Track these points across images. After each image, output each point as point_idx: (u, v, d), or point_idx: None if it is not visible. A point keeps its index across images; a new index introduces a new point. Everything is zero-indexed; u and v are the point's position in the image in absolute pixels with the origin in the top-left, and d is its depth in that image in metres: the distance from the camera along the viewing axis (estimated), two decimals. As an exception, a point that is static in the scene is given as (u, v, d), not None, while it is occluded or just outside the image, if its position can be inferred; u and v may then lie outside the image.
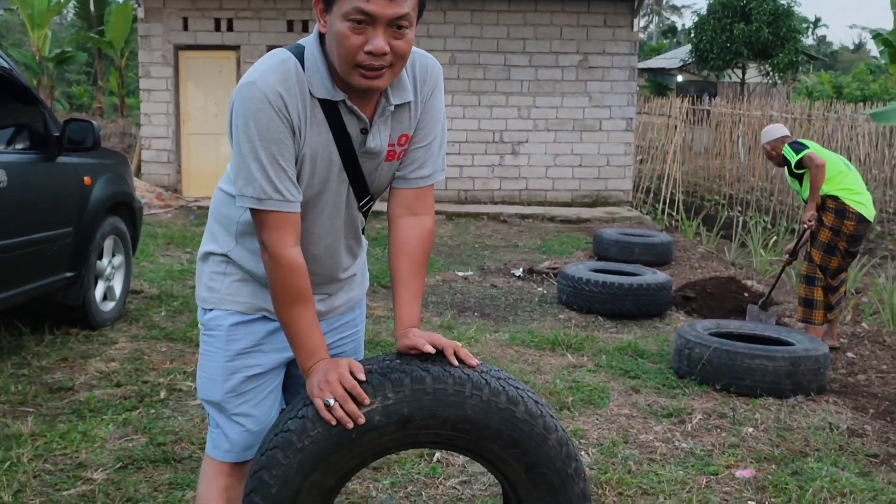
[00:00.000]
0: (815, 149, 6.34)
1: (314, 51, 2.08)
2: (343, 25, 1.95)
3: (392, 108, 2.15)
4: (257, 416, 2.33)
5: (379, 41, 1.95)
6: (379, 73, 2.00)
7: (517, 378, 2.34)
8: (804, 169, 6.29)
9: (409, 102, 2.19)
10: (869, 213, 6.22)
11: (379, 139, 2.17)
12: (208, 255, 2.35)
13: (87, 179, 5.77)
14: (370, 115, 2.14)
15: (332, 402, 1.98)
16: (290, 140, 2.05)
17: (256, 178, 2.04)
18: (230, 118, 2.09)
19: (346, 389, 2.00)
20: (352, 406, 1.98)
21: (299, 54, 2.09)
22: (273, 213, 2.06)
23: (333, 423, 1.99)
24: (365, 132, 2.14)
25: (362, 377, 2.02)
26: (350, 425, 1.98)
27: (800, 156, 6.27)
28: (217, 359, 2.31)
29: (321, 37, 2.09)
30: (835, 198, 6.21)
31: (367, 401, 2.00)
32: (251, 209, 2.09)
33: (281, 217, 2.07)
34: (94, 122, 5.59)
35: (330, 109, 2.10)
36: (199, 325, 2.38)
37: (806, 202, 6.46)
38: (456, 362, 2.07)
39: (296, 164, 2.10)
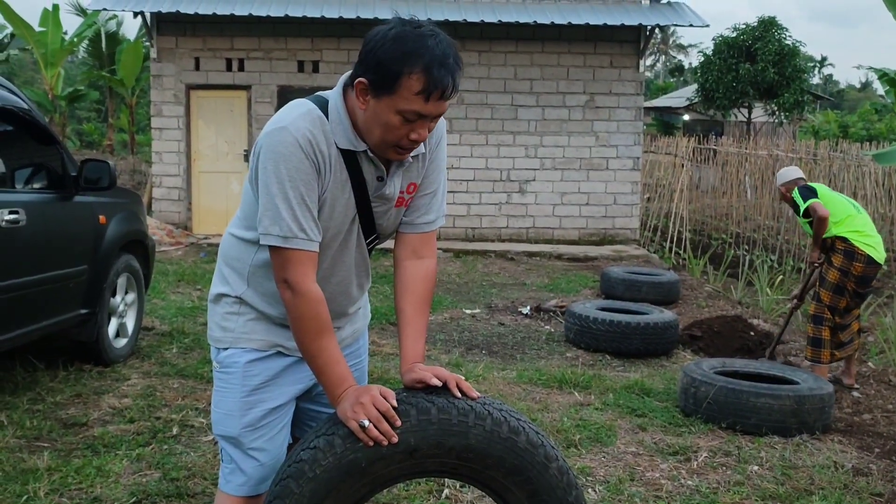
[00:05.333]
0: (823, 195, 6.43)
1: (338, 105, 2.23)
2: (395, 118, 2.12)
3: (410, 160, 2.31)
4: (271, 449, 2.42)
5: (424, 132, 2.16)
6: (411, 151, 2.23)
7: (524, 415, 2.42)
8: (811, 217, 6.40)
9: (421, 154, 2.35)
10: (879, 255, 6.28)
11: (393, 187, 2.32)
12: (220, 296, 2.45)
13: (102, 218, 5.88)
14: (386, 165, 2.29)
15: (366, 423, 2.09)
16: (315, 182, 2.19)
17: (284, 217, 2.16)
18: (255, 162, 2.21)
19: (378, 411, 2.10)
20: (386, 426, 2.09)
21: (322, 106, 2.23)
22: (297, 252, 2.18)
23: (370, 444, 2.09)
24: (381, 179, 2.29)
25: (394, 402, 2.13)
26: (385, 443, 2.09)
27: (806, 204, 6.37)
28: (234, 395, 2.39)
29: (344, 91, 2.23)
30: (844, 239, 6.29)
31: (399, 423, 2.10)
32: (273, 248, 2.20)
33: (304, 255, 2.19)
34: (109, 161, 5.70)
35: (350, 158, 2.24)
36: (214, 363, 2.46)
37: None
38: (459, 394, 2.18)
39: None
